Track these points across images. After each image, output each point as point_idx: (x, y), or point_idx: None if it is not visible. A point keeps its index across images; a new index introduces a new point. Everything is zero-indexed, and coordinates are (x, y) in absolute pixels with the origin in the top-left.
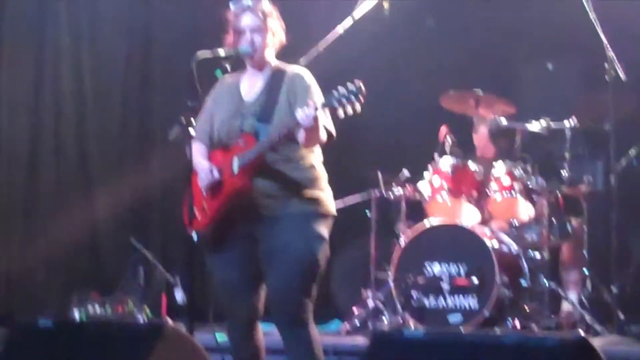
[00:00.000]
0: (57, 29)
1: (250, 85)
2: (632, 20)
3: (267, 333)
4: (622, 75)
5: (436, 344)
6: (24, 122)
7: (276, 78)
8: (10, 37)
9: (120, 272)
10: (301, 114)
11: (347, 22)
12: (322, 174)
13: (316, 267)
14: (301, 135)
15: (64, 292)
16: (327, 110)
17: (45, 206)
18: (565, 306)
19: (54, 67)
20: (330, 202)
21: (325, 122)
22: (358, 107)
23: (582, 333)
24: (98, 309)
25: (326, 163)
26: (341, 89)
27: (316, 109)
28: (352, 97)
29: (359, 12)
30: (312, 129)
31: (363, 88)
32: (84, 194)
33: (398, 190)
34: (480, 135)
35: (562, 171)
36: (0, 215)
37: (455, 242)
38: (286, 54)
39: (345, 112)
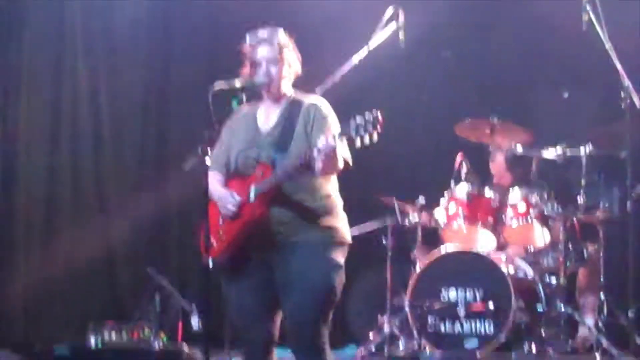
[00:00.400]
0: (74, 60)
1: (267, 116)
2: None
3: (282, 359)
4: (637, 102)
5: None
6: (41, 154)
7: (293, 108)
8: (28, 67)
9: (136, 299)
10: (321, 145)
11: (363, 52)
12: (337, 202)
13: (333, 295)
14: (318, 165)
15: (80, 320)
16: (344, 139)
17: (62, 235)
18: (582, 331)
19: (72, 97)
20: (346, 230)
21: (342, 151)
22: (375, 137)
23: (598, 358)
24: (114, 336)
25: (342, 190)
26: (359, 118)
27: (335, 139)
28: (370, 127)
29: (374, 42)
30: (330, 159)
31: (380, 117)
32: (101, 222)
33: (414, 218)
34: (497, 164)
35: (578, 197)
36: (18, 245)
37: (471, 268)
38: (302, 84)
39: (362, 142)
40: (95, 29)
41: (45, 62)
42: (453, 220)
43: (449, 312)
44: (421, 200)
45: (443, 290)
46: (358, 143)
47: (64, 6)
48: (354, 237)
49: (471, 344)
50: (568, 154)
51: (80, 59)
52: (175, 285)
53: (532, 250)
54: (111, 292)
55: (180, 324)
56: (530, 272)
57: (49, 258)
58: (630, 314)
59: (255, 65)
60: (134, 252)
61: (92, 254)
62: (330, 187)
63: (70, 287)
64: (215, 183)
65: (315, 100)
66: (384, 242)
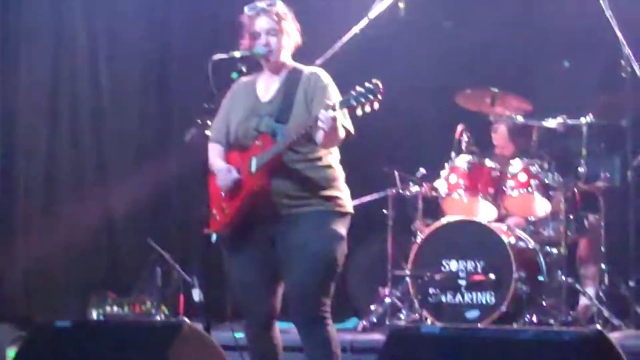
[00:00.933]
0: (73, 29)
1: (267, 86)
2: None
3: (284, 331)
4: (638, 72)
5: (453, 340)
6: (41, 127)
7: (292, 78)
8: (27, 34)
9: (137, 272)
10: (321, 115)
11: (363, 23)
12: (339, 173)
13: (334, 265)
14: (320, 135)
15: (82, 294)
16: (345, 109)
17: (63, 208)
18: (583, 301)
19: (71, 67)
20: (347, 201)
21: (344, 121)
22: (376, 105)
23: (599, 327)
24: (116, 309)
25: (343, 162)
26: (359, 88)
27: (335, 109)
28: (371, 96)
29: (374, 12)
30: (331, 128)
31: (381, 86)
32: (102, 195)
33: (415, 189)
34: (500, 134)
35: (578, 167)
36: (18, 219)
37: (472, 239)
38: (302, 55)
39: (363, 111)
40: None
41: (44, 34)
42: (454, 190)
43: (450, 282)
44: (422, 171)
45: (444, 261)
46: (359, 112)
47: None
48: (354, 208)
49: (472, 314)
50: (569, 123)
51: (80, 28)
52: (176, 258)
53: (533, 220)
54: (112, 264)
55: (181, 297)
56: (531, 243)
57: (49, 231)
58: (631, 284)
59: (254, 36)
60: (135, 225)
61: (92, 227)
62: (332, 158)
63: (71, 260)
64: (215, 155)
65: (315, 70)
66: (385, 212)
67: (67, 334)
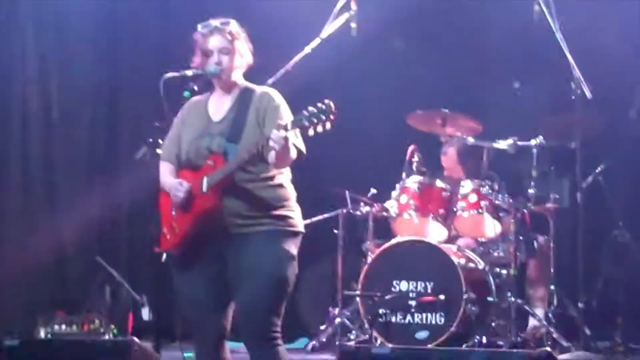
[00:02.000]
0: (24, 49)
1: (218, 106)
2: (597, 40)
3: (234, 350)
4: (588, 93)
5: None
6: None
7: (244, 98)
8: None
9: (86, 291)
10: (273, 134)
11: (315, 42)
12: (291, 193)
13: (285, 285)
14: (271, 155)
15: (29, 312)
16: (297, 129)
17: (12, 225)
18: (532, 322)
19: (22, 85)
20: (299, 221)
21: (295, 140)
22: (329, 126)
23: (548, 349)
24: (64, 328)
25: (295, 181)
26: (311, 108)
27: (287, 128)
28: (323, 116)
29: (326, 32)
30: (283, 148)
31: (333, 106)
32: (51, 212)
33: (366, 209)
34: (449, 157)
35: (528, 189)
36: None
37: (422, 259)
38: (254, 74)
39: (315, 131)
40: (46, 17)
41: None
42: (404, 211)
43: (400, 303)
44: (373, 191)
45: (394, 281)
46: (311, 132)
47: None
48: (305, 227)
49: (422, 335)
50: (519, 145)
51: (30, 49)
52: (126, 277)
53: (483, 241)
54: (61, 282)
55: (130, 316)
56: (481, 263)
57: None
58: (579, 305)
59: (206, 54)
60: (84, 243)
61: (41, 244)
62: (283, 177)
63: (18, 277)
64: (166, 174)
65: (267, 89)
66: (335, 232)
67: (15, 352)
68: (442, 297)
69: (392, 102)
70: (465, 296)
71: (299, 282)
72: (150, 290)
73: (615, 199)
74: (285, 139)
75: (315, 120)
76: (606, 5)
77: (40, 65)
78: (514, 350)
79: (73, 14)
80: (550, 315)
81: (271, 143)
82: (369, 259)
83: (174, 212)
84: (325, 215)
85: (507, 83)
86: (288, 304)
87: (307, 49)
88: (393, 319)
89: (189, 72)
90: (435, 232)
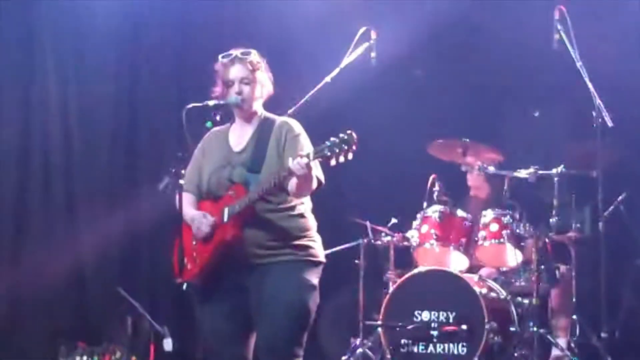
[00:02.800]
0: (44, 75)
1: (239, 136)
2: (618, 67)
3: None
4: (609, 122)
5: None
6: (10, 169)
7: (265, 128)
8: None
9: (108, 321)
10: (294, 163)
11: (335, 72)
12: (312, 223)
13: (307, 315)
14: (292, 185)
15: (50, 342)
16: (317, 159)
17: (32, 255)
18: (555, 352)
19: (42, 112)
20: (320, 250)
21: (315, 170)
22: (350, 156)
23: None
24: (85, 359)
25: (315, 211)
26: (333, 138)
27: (309, 158)
28: (345, 146)
29: (346, 61)
30: (304, 178)
31: (355, 137)
32: (71, 243)
33: (387, 238)
34: (475, 176)
35: (550, 218)
36: None
37: (444, 289)
38: (274, 105)
39: (337, 161)
40: (65, 43)
41: (13, 78)
42: (426, 241)
43: (422, 333)
44: (394, 220)
45: (416, 311)
46: (333, 162)
47: (33, 16)
48: (326, 257)
49: None
50: (540, 173)
51: (50, 75)
52: (147, 307)
53: (504, 271)
54: (82, 313)
55: (152, 347)
56: (503, 293)
57: (18, 278)
58: (602, 335)
59: (227, 84)
60: (105, 273)
61: (62, 273)
62: (304, 207)
63: (39, 308)
64: (187, 205)
65: (287, 119)
66: (356, 262)
67: None
68: (464, 327)
69: (413, 131)
70: (487, 326)
71: (320, 312)
72: (171, 320)
73: (637, 227)
74: (308, 166)
75: (337, 150)
76: (627, 33)
77: (60, 90)
78: None
79: (94, 39)
80: (572, 345)
81: (293, 169)
82: (391, 289)
83: (194, 242)
84: (346, 245)
85: (527, 111)
86: (309, 334)
87: (327, 79)
88: (415, 349)
89: (211, 103)
90: (456, 262)
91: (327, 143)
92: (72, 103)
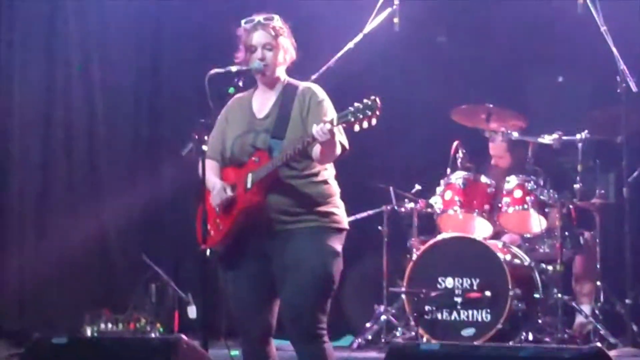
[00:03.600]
0: (67, 45)
1: (262, 102)
2: None
3: (280, 348)
4: (633, 87)
5: (452, 357)
6: (34, 142)
7: (288, 94)
8: (22, 52)
9: (132, 289)
10: (318, 129)
11: (358, 38)
12: (335, 189)
13: (330, 282)
14: (316, 151)
15: (76, 310)
16: (341, 125)
17: (57, 224)
18: (579, 319)
19: (65, 80)
20: (343, 217)
21: (339, 136)
22: (374, 122)
23: (599, 344)
24: (110, 327)
25: (339, 178)
26: (357, 104)
27: (333, 124)
28: (369, 112)
29: (369, 27)
30: (328, 144)
31: (379, 102)
32: (95, 211)
33: (410, 205)
34: (497, 144)
35: (574, 184)
36: (12, 235)
37: (468, 256)
38: (297, 70)
39: (361, 127)
40: (88, 13)
41: (37, 49)
42: (449, 207)
43: (446, 300)
44: (417, 187)
45: (440, 278)
46: (357, 127)
47: None
48: (350, 224)
49: (468, 332)
50: (564, 139)
51: (74, 44)
52: (171, 275)
53: (528, 237)
54: (106, 281)
55: (176, 314)
56: (526, 260)
57: (43, 247)
58: (627, 301)
59: (250, 49)
60: (129, 241)
61: (86, 242)
62: (328, 174)
63: (64, 276)
64: (210, 173)
65: (310, 85)
66: (380, 229)
67: (63, 350)
68: (488, 293)
69: (436, 97)
70: (511, 293)
71: (343, 279)
72: (195, 287)
73: None
74: (331, 132)
75: (361, 116)
76: None
77: (83, 59)
78: (564, 346)
79: (115, 6)
80: (597, 311)
81: (317, 135)
82: (414, 256)
83: (217, 209)
84: (370, 212)
85: (551, 77)
86: (333, 301)
87: (351, 44)
88: (439, 316)
89: (234, 68)
90: (480, 228)
91: (351, 109)
92: (94, 72)
